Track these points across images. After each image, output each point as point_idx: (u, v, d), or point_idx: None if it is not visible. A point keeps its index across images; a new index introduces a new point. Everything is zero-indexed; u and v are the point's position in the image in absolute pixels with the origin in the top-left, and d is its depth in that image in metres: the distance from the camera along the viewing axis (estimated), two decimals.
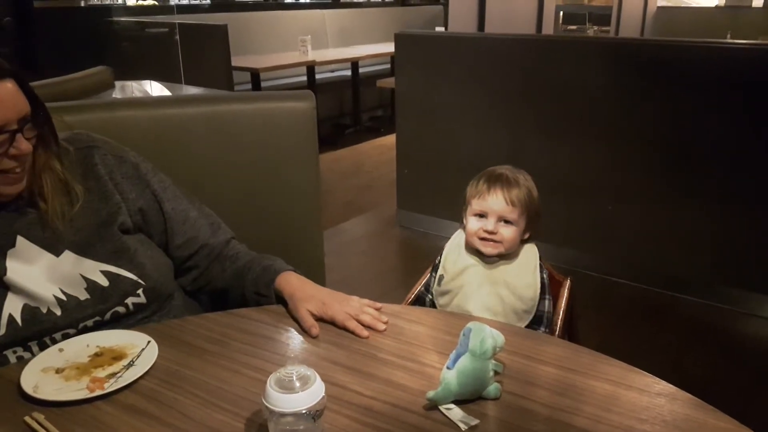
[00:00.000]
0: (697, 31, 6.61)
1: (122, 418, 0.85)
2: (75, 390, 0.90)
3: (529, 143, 3.09)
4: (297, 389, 0.76)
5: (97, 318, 1.09)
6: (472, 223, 1.34)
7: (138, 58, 4.68)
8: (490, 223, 1.32)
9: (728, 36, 5.74)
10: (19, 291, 1.03)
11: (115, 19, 5.05)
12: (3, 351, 1.01)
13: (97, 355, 0.99)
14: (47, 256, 1.06)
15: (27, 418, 0.84)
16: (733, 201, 2.63)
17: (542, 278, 1.35)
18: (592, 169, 2.94)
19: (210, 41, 4.57)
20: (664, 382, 0.92)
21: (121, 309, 1.10)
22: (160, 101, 1.58)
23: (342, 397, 0.88)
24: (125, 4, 5.65)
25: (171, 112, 1.30)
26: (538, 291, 1.34)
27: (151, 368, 0.94)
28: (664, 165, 2.76)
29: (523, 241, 1.37)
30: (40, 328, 1.03)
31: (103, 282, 1.09)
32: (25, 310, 1.03)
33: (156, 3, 5.73)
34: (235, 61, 4.59)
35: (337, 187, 4.30)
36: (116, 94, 2.50)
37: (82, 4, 5.28)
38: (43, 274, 1.05)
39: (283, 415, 0.76)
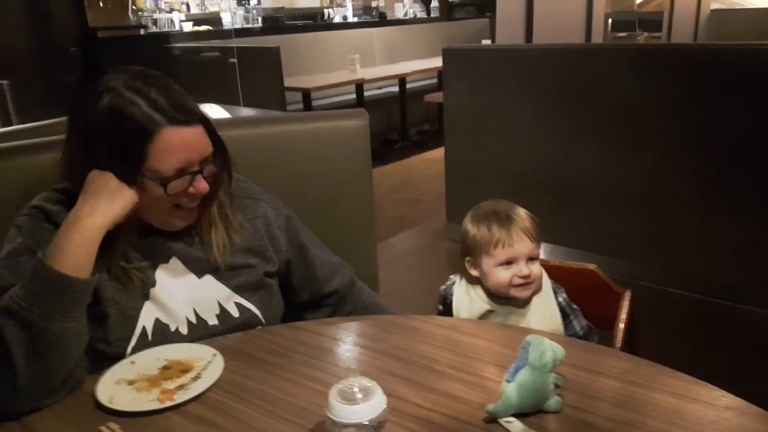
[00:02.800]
0: (753, 34, 6.36)
1: (192, 428, 0.89)
2: (147, 401, 0.94)
3: (580, 154, 3.05)
4: (359, 400, 0.78)
5: None
6: (502, 273, 1.26)
7: (197, 82, 4.85)
8: (523, 268, 1.25)
9: None
10: (159, 305, 1.09)
11: (176, 45, 5.24)
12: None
13: (165, 367, 1.03)
14: (190, 277, 1.13)
15: (103, 428, 0.88)
16: None
17: (558, 303, 1.30)
18: (647, 179, 2.87)
19: (264, 63, 4.70)
20: (731, 395, 0.89)
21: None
22: (222, 123, 1.62)
23: (402, 409, 0.89)
24: (182, 30, 5.86)
25: (233, 133, 1.34)
26: (559, 318, 1.30)
27: (217, 380, 0.98)
28: (720, 172, 2.68)
29: None
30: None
31: (235, 313, 1.15)
32: (157, 324, 1.09)
33: (211, 28, 5.92)
34: (287, 82, 4.70)
35: (385, 201, 4.32)
36: None
37: (142, 32, 5.51)
38: (183, 293, 1.11)
39: (345, 426, 0.78)
